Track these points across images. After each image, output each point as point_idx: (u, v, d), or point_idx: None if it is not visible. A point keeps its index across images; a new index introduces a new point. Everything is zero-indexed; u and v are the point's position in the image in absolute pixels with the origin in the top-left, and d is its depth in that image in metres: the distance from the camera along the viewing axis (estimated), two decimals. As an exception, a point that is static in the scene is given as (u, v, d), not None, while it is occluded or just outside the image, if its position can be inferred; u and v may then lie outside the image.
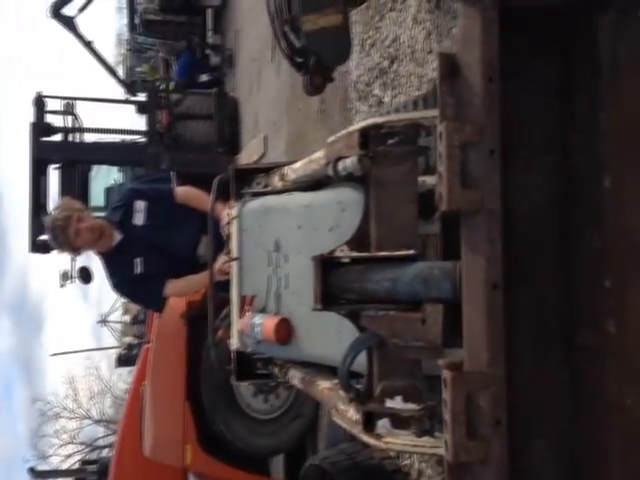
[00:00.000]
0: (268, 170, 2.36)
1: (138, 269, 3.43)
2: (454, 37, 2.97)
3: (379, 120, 1.62)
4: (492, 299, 1.33)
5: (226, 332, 2.61)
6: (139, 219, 3.48)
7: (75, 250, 3.47)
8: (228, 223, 2.51)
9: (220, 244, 2.61)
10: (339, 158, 1.65)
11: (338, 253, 1.65)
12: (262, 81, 8.35)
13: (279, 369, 2.30)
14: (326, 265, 1.67)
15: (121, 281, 3.53)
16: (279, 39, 2.69)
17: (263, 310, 2.23)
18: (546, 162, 1.55)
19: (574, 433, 1.52)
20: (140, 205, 3.49)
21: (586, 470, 1.52)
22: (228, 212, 2.49)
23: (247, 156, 8.62)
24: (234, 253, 2.42)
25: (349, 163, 1.61)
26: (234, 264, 2.42)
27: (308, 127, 5.95)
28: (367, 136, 1.61)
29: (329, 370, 2.01)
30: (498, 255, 1.34)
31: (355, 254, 1.64)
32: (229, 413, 4.78)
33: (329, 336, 1.87)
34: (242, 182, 2.42)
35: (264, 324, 2.11)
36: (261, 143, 7.98)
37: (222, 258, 2.64)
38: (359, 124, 1.67)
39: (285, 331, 2.04)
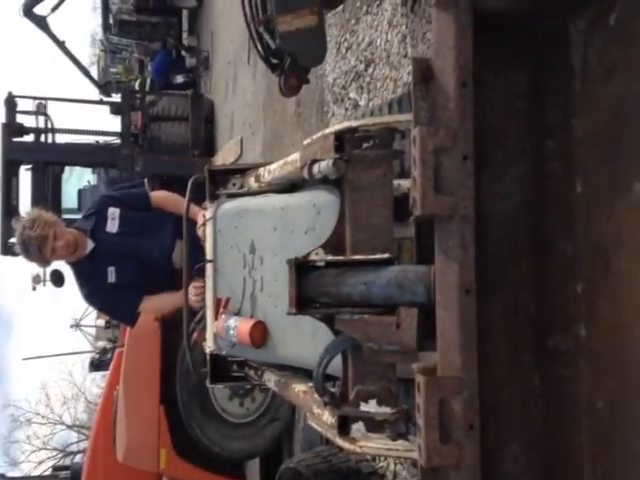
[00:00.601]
0: (244, 171, 2.35)
1: (111, 278, 3.35)
2: (429, 41, 2.99)
3: (354, 123, 1.61)
4: (465, 304, 1.33)
5: (201, 335, 2.59)
6: (113, 226, 3.40)
7: (47, 263, 3.39)
8: (203, 224, 2.49)
9: (195, 247, 2.57)
10: (314, 161, 1.65)
11: (313, 256, 1.64)
12: (238, 83, 8.32)
13: (254, 372, 2.29)
14: (301, 268, 1.65)
15: (93, 291, 3.42)
16: (254, 40, 2.68)
17: (238, 312, 2.21)
18: (519, 167, 1.56)
19: (546, 436, 1.53)
20: (114, 212, 3.42)
21: (557, 473, 1.53)
22: (203, 213, 2.47)
23: (223, 158, 8.58)
24: (209, 255, 2.41)
25: (324, 166, 1.60)
26: (209, 266, 2.41)
27: (284, 129, 5.95)
28: (342, 139, 1.61)
29: (304, 373, 2.01)
30: (471, 260, 1.35)
31: (330, 257, 1.63)
32: (204, 417, 4.75)
33: (304, 339, 1.87)
34: (217, 183, 2.41)
35: (239, 327, 2.09)
36: (237, 145, 7.95)
37: (195, 284, 2.57)
38: (334, 127, 1.66)
39: (260, 334, 2.02)
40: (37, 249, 3.21)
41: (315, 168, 1.64)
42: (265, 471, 5.18)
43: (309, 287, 1.61)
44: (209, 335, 2.40)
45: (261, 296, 2.10)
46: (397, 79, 3.39)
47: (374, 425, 1.55)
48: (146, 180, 3.74)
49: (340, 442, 1.59)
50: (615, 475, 1.44)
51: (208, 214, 2.41)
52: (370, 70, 3.78)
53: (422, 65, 1.39)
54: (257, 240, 2.12)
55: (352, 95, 4.08)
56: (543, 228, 1.56)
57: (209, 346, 2.41)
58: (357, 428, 1.56)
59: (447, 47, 1.36)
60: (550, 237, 1.55)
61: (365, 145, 1.59)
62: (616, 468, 1.43)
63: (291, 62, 2.59)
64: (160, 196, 3.54)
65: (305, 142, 1.82)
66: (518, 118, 1.56)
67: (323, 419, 1.67)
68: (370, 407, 1.55)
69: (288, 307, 1.61)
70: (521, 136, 1.56)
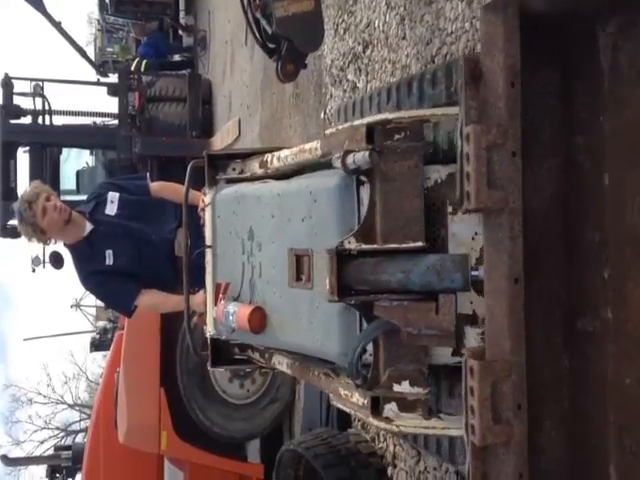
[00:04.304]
0: (244, 156, 2.34)
1: (109, 261, 3.31)
2: (427, 24, 2.97)
3: (389, 116, 1.67)
4: (514, 292, 1.42)
5: (201, 319, 2.60)
6: (111, 209, 3.38)
7: (42, 232, 3.27)
8: (203, 209, 2.48)
9: (197, 236, 2.55)
10: (348, 151, 1.67)
11: (346, 245, 1.67)
12: (236, 64, 8.26)
13: (260, 354, 2.30)
14: (339, 257, 1.68)
15: (91, 274, 3.36)
16: (251, 25, 2.66)
17: (237, 298, 2.22)
18: (552, 161, 1.65)
19: (574, 412, 1.63)
20: (114, 196, 3.39)
21: (585, 445, 1.63)
22: (203, 198, 2.47)
23: (221, 139, 8.54)
24: (208, 240, 2.41)
25: (359, 157, 1.63)
26: (208, 251, 2.41)
27: (282, 111, 5.92)
28: (372, 130, 1.65)
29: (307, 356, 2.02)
30: (519, 251, 1.43)
31: (366, 246, 1.66)
32: (205, 399, 4.79)
33: (302, 325, 1.88)
34: (217, 167, 2.40)
35: (238, 313, 2.10)
36: (235, 126, 7.91)
37: (201, 294, 2.58)
38: (366, 119, 1.71)
39: (259, 320, 2.04)
40: (28, 206, 3.18)
41: (349, 159, 1.66)
42: (265, 451, 5.23)
43: (347, 275, 1.65)
44: (209, 319, 2.41)
45: (260, 282, 2.11)
46: (395, 61, 3.37)
47: (406, 405, 1.63)
48: (148, 174, 3.73)
49: (375, 422, 1.66)
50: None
51: (207, 199, 2.41)
52: (368, 52, 3.75)
53: (471, 65, 1.46)
54: (255, 226, 2.12)
55: (350, 77, 4.05)
56: (573, 218, 1.64)
57: (209, 330, 2.42)
58: (389, 408, 1.64)
59: (496, 49, 1.43)
60: (579, 226, 1.64)
61: (397, 137, 1.64)
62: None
63: (288, 47, 2.57)
64: (159, 186, 3.51)
65: (327, 131, 1.86)
66: (551, 115, 1.64)
67: (352, 400, 1.74)
68: (403, 388, 1.63)
69: (329, 295, 1.64)
70: (554, 132, 1.64)
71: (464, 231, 1.67)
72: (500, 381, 1.40)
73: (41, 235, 3.29)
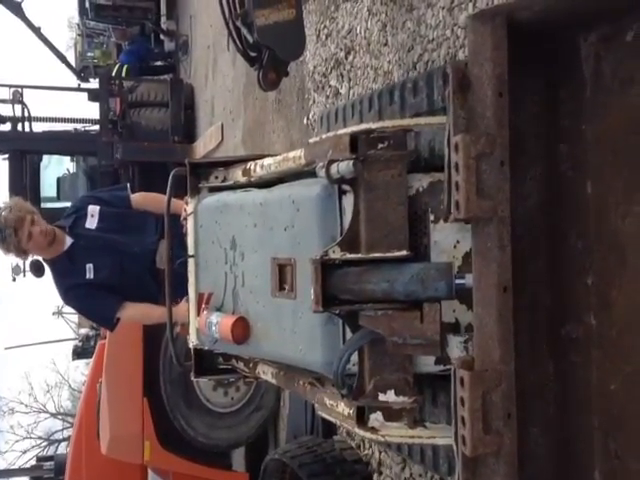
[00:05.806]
0: (227, 164, 2.32)
1: (89, 275, 3.27)
2: (408, 30, 2.97)
3: (373, 126, 1.67)
4: (503, 301, 1.42)
5: (184, 329, 2.57)
6: (92, 223, 3.33)
7: (24, 253, 3.26)
8: (185, 218, 2.46)
9: (179, 246, 2.53)
10: (332, 161, 1.67)
11: (331, 254, 1.66)
12: (218, 69, 8.23)
13: (244, 364, 2.29)
14: (324, 266, 1.67)
15: (70, 287, 3.32)
16: (232, 34, 2.64)
17: (220, 308, 2.20)
18: (536, 170, 1.65)
19: (560, 419, 1.64)
20: (94, 209, 3.35)
21: (571, 451, 1.64)
22: (185, 207, 2.45)
23: (204, 144, 8.51)
24: (190, 249, 2.39)
25: (343, 166, 1.63)
26: (191, 261, 2.39)
27: (265, 116, 5.91)
28: (356, 139, 1.65)
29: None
30: (508, 260, 1.43)
31: (351, 256, 1.66)
32: (188, 408, 4.75)
33: (286, 335, 1.87)
34: (199, 176, 2.37)
35: (221, 323, 2.09)
36: (218, 131, 7.88)
37: (184, 304, 2.55)
38: (350, 128, 1.71)
39: (242, 331, 2.02)
40: (13, 231, 3.13)
41: (333, 168, 1.66)
42: (250, 460, 5.20)
43: (332, 285, 1.64)
44: (192, 330, 2.39)
45: (243, 292, 2.09)
46: (377, 68, 3.37)
47: (391, 414, 1.63)
48: (129, 185, 3.69)
49: (360, 432, 1.65)
50: (629, 448, 1.54)
51: (189, 208, 2.39)
52: (350, 58, 3.75)
53: (459, 74, 1.46)
54: (238, 236, 2.10)
55: (333, 83, 4.05)
56: (557, 226, 1.65)
57: (192, 341, 2.40)
58: (375, 418, 1.64)
59: (484, 58, 1.43)
60: (562, 234, 1.65)
61: (380, 146, 1.64)
62: (631, 441, 1.53)
63: (270, 56, 2.56)
64: (140, 197, 3.47)
65: (311, 140, 1.85)
66: (535, 123, 1.65)
67: (337, 410, 1.74)
68: (388, 397, 1.62)
69: (314, 305, 1.63)
70: (537, 140, 1.65)
71: (446, 239, 1.68)
72: (490, 391, 1.40)
73: (22, 254, 3.28)
